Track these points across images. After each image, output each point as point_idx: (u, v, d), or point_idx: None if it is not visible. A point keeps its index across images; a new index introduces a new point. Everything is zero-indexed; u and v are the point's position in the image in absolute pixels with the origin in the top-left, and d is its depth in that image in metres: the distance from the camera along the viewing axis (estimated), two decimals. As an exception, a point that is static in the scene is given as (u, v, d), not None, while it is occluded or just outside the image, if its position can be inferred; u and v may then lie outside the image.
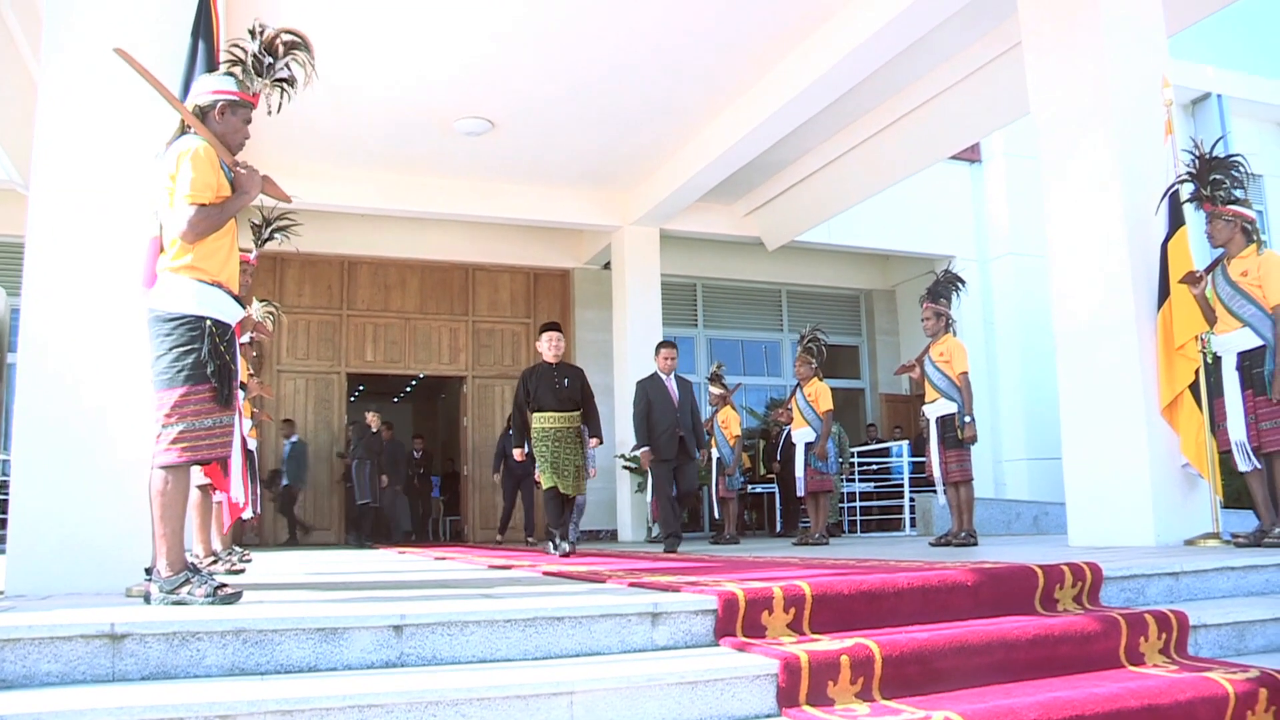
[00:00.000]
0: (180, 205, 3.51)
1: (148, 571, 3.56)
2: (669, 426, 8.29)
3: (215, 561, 5.75)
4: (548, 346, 7.74)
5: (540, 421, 7.61)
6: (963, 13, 8.16)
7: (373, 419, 13.94)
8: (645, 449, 8.36)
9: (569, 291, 15.37)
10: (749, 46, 9.21)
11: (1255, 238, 5.81)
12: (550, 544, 7.66)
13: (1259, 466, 5.63)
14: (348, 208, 12.36)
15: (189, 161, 3.53)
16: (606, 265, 14.58)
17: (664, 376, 8.52)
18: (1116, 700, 2.86)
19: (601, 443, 8.00)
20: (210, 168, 3.55)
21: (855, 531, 13.36)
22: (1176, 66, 11.08)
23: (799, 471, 9.24)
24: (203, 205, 3.50)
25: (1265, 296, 5.57)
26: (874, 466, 14.00)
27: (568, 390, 7.64)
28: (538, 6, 8.34)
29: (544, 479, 7.57)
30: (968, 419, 7.42)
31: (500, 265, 15.03)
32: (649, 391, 8.46)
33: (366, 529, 13.78)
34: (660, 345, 8.78)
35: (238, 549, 6.79)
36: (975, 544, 7.40)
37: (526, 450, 7.82)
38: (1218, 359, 5.86)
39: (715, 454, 10.84)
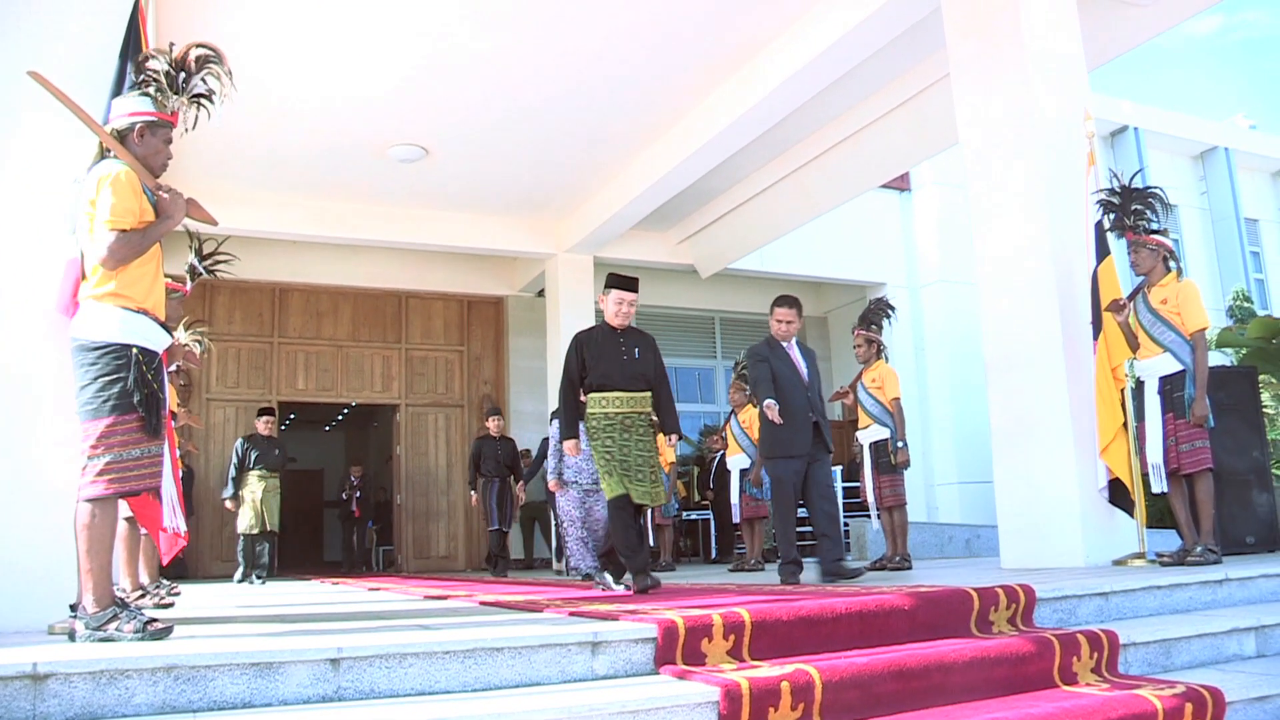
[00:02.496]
0: (101, 231, 3.42)
1: (73, 608, 3.46)
2: (799, 409, 6.12)
3: (143, 595, 5.60)
4: (615, 309, 5.86)
5: (599, 405, 5.75)
6: (892, 45, 8.32)
7: (494, 426, 11.54)
8: (770, 403, 6.04)
9: (502, 319, 15.31)
10: (681, 78, 9.30)
11: (1173, 266, 6.02)
12: (605, 576, 5.88)
13: (1168, 490, 5.80)
14: (279, 234, 12.18)
15: (109, 186, 3.44)
16: (540, 293, 14.55)
17: (785, 346, 6.37)
18: (1051, 720, 2.91)
19: (681, 438, 6.27)
20: (132, 192, 3.47)
21: (790, 557, 13.41)
22: (1096, 100, 11.41)
23: (734, 498, 9.27)
24: (124, 231, 3.42)
25: (1184, 323, 5.77)
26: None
27: (639, 364, 5.81)
28: (470, 33, 8.32)
29: (609, 484, 5.68)
30: (900, 444, 7.52)
31: (433, 293, 14.92)
32: (772, 362, 6.25)
33: (498, 554, 11.27)
34: (776, 304, 6.46)
35: (165, 581, 6.61)
36: (910, 568, 7.48)
37: (583, 445, 6.00)
38: (1140, 383, 6.04)
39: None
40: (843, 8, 7.80)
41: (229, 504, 10.85)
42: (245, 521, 10.75)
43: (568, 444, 5.83)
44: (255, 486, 10.76)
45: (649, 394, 5.83)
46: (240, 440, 11.05)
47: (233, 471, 10.82)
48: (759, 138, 10.10)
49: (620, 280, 5.94)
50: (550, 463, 7.75)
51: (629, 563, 5.70)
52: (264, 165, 10.90)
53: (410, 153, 10.69)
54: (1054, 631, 3.67)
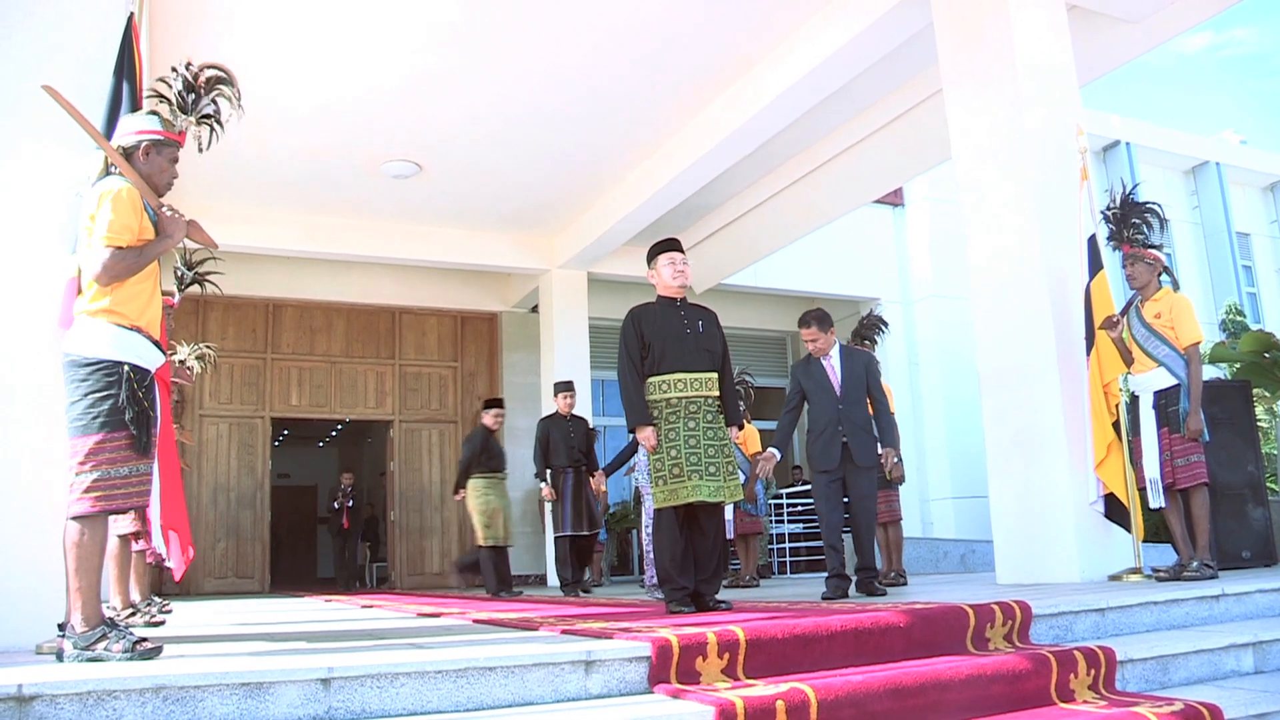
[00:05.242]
0: (97, 247, 3.41)
1: (61, 627, 3.42)
2: (827, 424, 6.02)
3: (134, 614, 5.56)
4: (672, 271, 5.23)
5: (659, 390, 5.05)
6: (885, 61, 8.34)
7: (563, 403, 9.13)
8: (771, 453, 6.07)
9: (496, 335, 15.30)
10: (674, 93, 9.32)
11: (1166, 280, 6.02)
12: (673, 599, 4.92)
13: (1166, 505, 5.79)
14: (273, 250, 12.18)
15: (109, 202, 3.44)
16: (534, 308, 14.55)
17: (822, 360, 6.18)
18: (1049, 738, 2.89)
19: (742, 429, 5.79)
20: (131, 210, 3.46)
21: (785, 572, 13.39)
22: (1088, 115, 11.45)
23: (728, 514, 9.22)
24: (119, 248, 3.41)
25: (1178, 337, 5.77)
26: (800, 507, 14.06)
27: (704, 339, 5.20)
28: (462, 49, 8.34)
29: (660, 491, 4.94)
30: (894, 460, 7.49)
31: (427, 308, 14.91)
32: (801, 379, 6.20)
33: (572, 568, 9.03)
34: (802, 321, 6.26)
35: (157, 599, 6.57)
36: (905, 584, 7.46)
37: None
38: (1135, 398, 6.03)
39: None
40: (836, 24, 7.84)
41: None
42: (490, 531, 9.10)
43: (643, 435, 4.98)
44: (492, 492, 9.17)
45: (716, 375, 5.18)
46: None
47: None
48: (752, 153, 10.13)
49: (664, 243, 5.37)
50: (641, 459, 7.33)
51: (666, 587, 4.95)
52: (257, 181, 10.90)
53: (403, 168, 10.70)
54: (1050, 648, 3.65)
